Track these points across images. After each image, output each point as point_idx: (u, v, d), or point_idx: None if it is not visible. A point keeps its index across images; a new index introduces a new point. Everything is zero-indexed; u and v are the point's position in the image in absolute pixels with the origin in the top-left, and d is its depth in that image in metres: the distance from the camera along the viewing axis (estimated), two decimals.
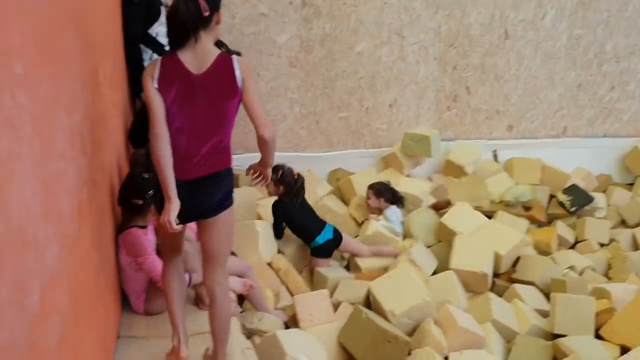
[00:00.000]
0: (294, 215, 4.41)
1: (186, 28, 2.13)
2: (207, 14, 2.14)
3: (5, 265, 1.13)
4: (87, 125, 2.09)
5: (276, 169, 4.31)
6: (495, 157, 6.13)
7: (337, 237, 4.42)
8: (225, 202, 2.38)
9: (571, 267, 4.57)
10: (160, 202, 2.84)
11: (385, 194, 4.99)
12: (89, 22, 2.30)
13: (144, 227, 2.87)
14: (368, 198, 5.00)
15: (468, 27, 5.73)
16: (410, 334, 3.45)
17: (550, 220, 5.66)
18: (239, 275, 3.30)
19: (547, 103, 6.16)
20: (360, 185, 5.39)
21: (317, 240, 4.34)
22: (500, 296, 4.07)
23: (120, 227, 2.87)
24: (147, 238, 2.84)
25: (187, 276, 2.83)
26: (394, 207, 4.95)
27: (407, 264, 3.87)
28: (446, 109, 6.00)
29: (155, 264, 2.74)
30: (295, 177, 4.42)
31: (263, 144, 2.27)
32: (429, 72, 5.82)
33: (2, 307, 1.09)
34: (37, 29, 1.51)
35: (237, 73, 2.21)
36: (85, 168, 2.01)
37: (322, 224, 4.46)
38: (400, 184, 5.44)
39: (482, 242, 4.27)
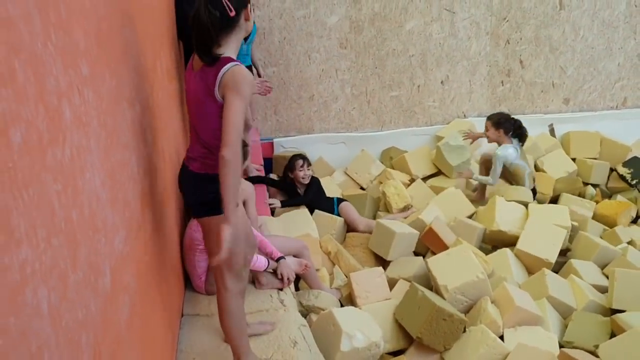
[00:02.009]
0: (319, 200, 4.73)
1: (210, 35, 2.03)
2: (233, 14, 2.04)
3: (80, 250, 1.24)
4: (147, 116, 2.21)
5: (304, 157, 4.74)
6: (551, 131, 6.02)
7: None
8: (210, 209, 2.19)
9: (630, 242, 4.48)
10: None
11: (506, 125, 4.80)
12: (145, 17, 2.41)
13: None
14: (487, 130, 4.89)
15: None
16: (467, 311, 3.49)
17: (611, 194, 5.55)
18: (295, 255, 3.40)
19: (606, 74, 6.00)
20: (415, 163, 5.42)
21: (334, 205, 4.72)
22: (557, 272, 4.04)
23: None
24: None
25: (263, 260, 2.94)
26: (512, 145, 4.79)
27: (466, 244, 3.87)
28: (500, 83, 5.92)
29: None
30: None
31: (219, 163, 1.97)
32: (481, 47, 5.75)
33: (79, 287, 1.21)
34: (98, 29, 1.61)
35: (219, 79, 2.01)
36: (147, 157, 2.14)
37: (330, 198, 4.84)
38: None
39: (552, 227, 4.21)
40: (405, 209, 4.91)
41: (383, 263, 4.18)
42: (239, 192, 2.52)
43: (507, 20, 5.69)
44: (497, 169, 4.73)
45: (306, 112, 5.80)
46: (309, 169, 4.73)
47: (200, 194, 2.16)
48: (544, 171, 5.49)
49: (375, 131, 5.94)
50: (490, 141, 4.91)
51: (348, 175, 5.61)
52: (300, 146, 5.80)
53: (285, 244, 3.42)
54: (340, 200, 4.82)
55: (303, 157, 4.76)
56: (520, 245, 4.08)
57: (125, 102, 1.89)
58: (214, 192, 2.07)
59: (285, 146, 5.81)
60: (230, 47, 2.10)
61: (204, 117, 2.10)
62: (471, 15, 5.62)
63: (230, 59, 2.05)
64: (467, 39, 5.70)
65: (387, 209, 4.99)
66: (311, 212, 4.46)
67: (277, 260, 3.12)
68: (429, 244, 4.18)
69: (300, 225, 4.11)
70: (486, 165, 5.01)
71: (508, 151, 4.73)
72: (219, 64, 2.04)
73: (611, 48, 5.92)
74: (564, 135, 5.99)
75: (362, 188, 5.52)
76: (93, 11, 1.59)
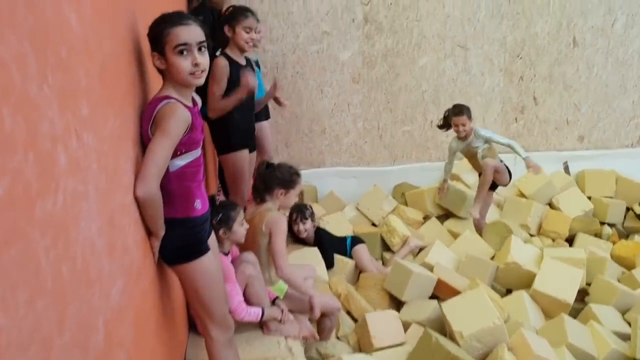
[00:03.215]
0: (328, 244, 4.47)
1: None
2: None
3: (69, 308, 1.15)
4: None
5: (301, 209, 4.42)
6: (566, 169, 5.91)
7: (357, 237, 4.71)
8: (176, 257, 2.07)
9: None
10: (227, 225, 2.92)
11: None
12: None
13: (225, 253, 2.91)
14: (463, 125, 4.76)
15: (534, 36, 5.56)
16: (483, 359, 3.35)
17: (628, 234, 5.40)
18: (324, 313, 3.27)
19: (620, 111, 5.90)
20: (429, 200, 5.33)
21: (347, 245, 4.54)
22: (575, 317, 3.90)
23: None
24: (228, 265, 2.85)
25: (257, 310, 2.85)
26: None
27: (482, 285, 3.74)
28: (513, 120, 5.84)
29: (233, 293, 2.75)
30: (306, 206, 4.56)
31: (136, 202, 1.81)
32: (494, 84, 5.69)
33: (66, 350, 1.11)
34: (103, 67, 1.55)
35: (154, 114, 1.88)
36: None
37: (343, 238, 4.65)
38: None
39: (569, 268, 4.07)
40: (404, 242, 4.82)
41: (397, 306, 4.05)
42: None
43: (521, 57, 5.63)
44: (499, 139, 4.78)
45: (317, 146, 5.73)
46: (304, 222, 4.36)
47: (171, 243, 2.03)
48: (559, 209, 5.36)
49: (388, 166, 5.85)
50: (467, 135, 4.81)
51: (359, 210, 5.50)
52: (311, 180, 5.72)
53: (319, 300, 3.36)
54: (354, 239, 4.63)
55: (299, 210, 4.40)
56: (537, 285, 3.95)
57: (130, 141, 1.82)
58: (176, 238, 2.00)
59: None
60: (168, 85, 1.98)
61: None
62: (484, 52, 5.57)
63: (166, 97, 1.93)
64: (480, 75, 5.64)
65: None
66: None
67: (273, 301, 3.04)
68: (441, 294, 4.05)
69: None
70: (473, 160, 4.97)
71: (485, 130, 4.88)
72: (155, 101, 1.94)
73: (625, 86, 5.84)
74: (578, 173, 5.87)
75: (373, 224, 5.41)
76: (97, 49, 1.52)
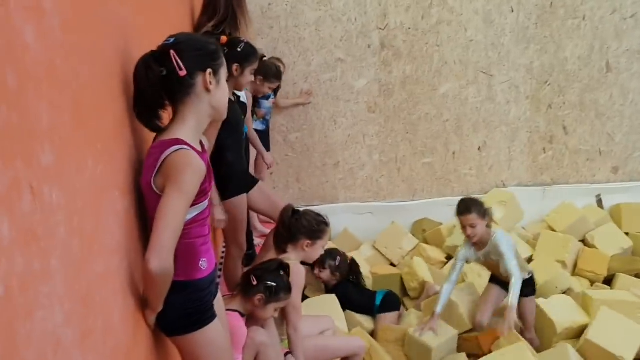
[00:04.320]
0: (351, 295, 4.08)
1: (145, 99, 1.59)
2: (183, 73, 1.58)
3: None
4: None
5: (333, 255, 4.06)
6: (599, 202, 5.51)
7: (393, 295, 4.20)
8: (176, 327, 1.73)
9: None
10: (269, 296, 2.54)
11: (488, 210, 3.70)
12: None
13: (243, 315, 2.54)
14: (472, 226, 3.54)
15: (564, 61, 5.22)
16: None
17: None
18: (345, 357, 2.98)
19: None
20: (454, 236, 4.92)
21: (375, 303, 4.06)
22: None
23: None
24: (242, 331, 2.49)
25: None
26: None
27: (522, 341, 3.32)
28: (541, 151, 5.46)
29: None
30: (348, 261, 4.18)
31: (145, 275, 1.53)
32: (520, 112, 5.33)
33: None
34: (77, 100, 1.20)
35: (159, 164, 1.55)
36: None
37: (372, 293, 4.17)
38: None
39: (627, 322, 3.62)
40: (422, 287, 4.42)
41: None
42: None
43: (549, 84, 5.28)
44: (510, 264, 3.50)
45: (331, 180, 5.38)
46: (321, 271, 4.06)
47: (164, 307, 1.65)
48: (595, 247, 4.94)
49: (406, 201, 5.47)
50: (480, 240, 3.63)
51: (377, 249, 5.11)
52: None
53: (340, 344, 3.04)
54: (386, 299, 4.07)
55: (325, 255, 3.84)
56: (591, 335, 3.50)
57: (116, 191, 1.45)
58: (177, 306, 1.65)
59: None
60: (184, 122, 1.63)
61: (148, 208, 1.62)
62: (510, 79, 5.22)
63: (178, 141, 1.57)
64: (505, 104, 5.29)
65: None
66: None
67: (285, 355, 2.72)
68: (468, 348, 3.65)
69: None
70: (493, 269, 3.82)
71: (507, 235, 3.77)
72: (162, 145, 1.58)
73: None
74: (613, 207, 5.47)
75: (392, 264, 5.01)
76: (70, 76, 1.17)
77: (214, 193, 2.88)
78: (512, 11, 5.06)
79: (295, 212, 2.88)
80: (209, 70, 1.62)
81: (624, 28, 5.16)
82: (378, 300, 4.06)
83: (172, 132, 1.59)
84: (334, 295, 3.89)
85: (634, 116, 5.40)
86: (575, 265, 4.85)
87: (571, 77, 5.26)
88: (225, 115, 1.75)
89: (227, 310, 2.47)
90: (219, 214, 2.94)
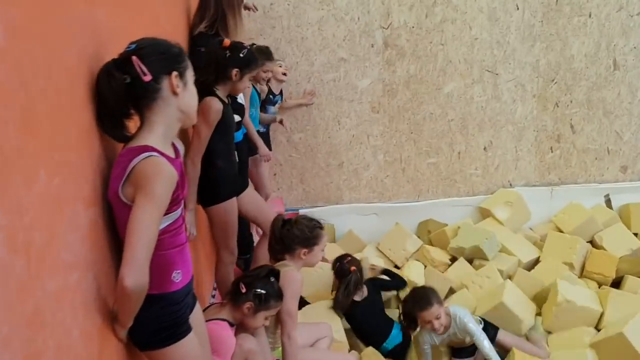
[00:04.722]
0: (355, 315, 3.84)
1: (108, 109, 1.54)
2: (148, 78, 1.54)
3: None
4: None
5: (341, 259, 3.90)
6: (608, 202, 5.40)
7: (406, 339, 3.83)
8: (149, 342, 1.68)
9: None
10: (259, 304, 2.49)
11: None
12: None
13: (232, 324, 2.51)
14: (436, 318, 3.40)
15: (570, 59, 5.12)
16: None
17: None
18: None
19: None
20: (458, 238, 4.84)
21: (385, 346, 3.76)
22: None
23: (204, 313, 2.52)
24: (231, 341, 2.44)
25: None
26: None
27: None
28: (549, 150, 5.36)
29: None
30: (351, 271, 3.78)
31: (118, 291, 1.46)
32: (527, 111, 5.24)
33: None
34: (27, 110, 1.16)
35: (127, 172, 1.50)
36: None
37: (389, 325, 3.84)
38: (504, 240, 4.84)
39: None
40: None
41: None
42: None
43: (556, 82, 5.18)
44: (474, 330, 3.40)
45: (335, 181, 5.33)
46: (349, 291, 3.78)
47: (136, 322, 1.60)
48: (603, 248, 4.84)
49: (411, 201, 5.41)
50: (446, 327, 3.46)
51: (381, 251, 5.05)
52: (329, 218, 5.28)
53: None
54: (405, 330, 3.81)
55: (338, 270, 3.85)
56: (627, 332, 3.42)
57: (79, 204, 1.42)
58: (150, 320, 1.61)
59: None
60: (152, 128, 1.58)
61: (116, 217, 1.56)
62: (516, 77, 5.13)
63: (146, 148, 1.52)
64: (511, 102, 5.20)
65: None
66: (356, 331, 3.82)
67: None
68: None
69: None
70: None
71: (462, 309, 3.59)
72: (130, 152, 1.53)
73: None
74: (622, 206, 5.36)
75: (396, 266, 4.95)
76: (18, 89, 1.13)
77: (192, 198, 2.83)
78: (518, 9, 4.97)
79: (286, 222, 2.82)
80: (175, 73, 1.58)
81: (631, 25, 5.04)
82: (392, 341, 3.78)
83: (141, 139, 1.56)
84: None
85: None
86: (583, 267, 4.75)
87: (578, 75, 5.16)
88: (195, 119, 1.71)
89: (216, 319, 2.44)
90: (189, 217, 2.86)
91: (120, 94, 1.52)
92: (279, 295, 2.55)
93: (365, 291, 3.86)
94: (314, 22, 4.90)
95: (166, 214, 1.57)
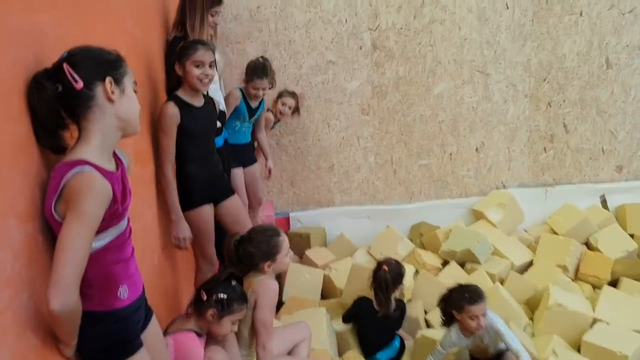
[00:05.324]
0: (364, 318, 3.78)
1: (40, 120, 1.47)
2: (79, 85, 1.47)
3: None
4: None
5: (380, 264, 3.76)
6: (603, 203, 5.32)
7: (400, 352, 3.77)
8: (97, 359, 1.62)
9: None
10: (222, 310, 2.44)
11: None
12: None
13: (200, 335, 2.46)
14: (483, 315, 3.23)
15: (562, 58, 5.05)
16: None
17: None
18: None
19: None
20: (449, 241, 4.77)
21: (377, 357, 3.72)
22: None
23: (171, 325, 2.47)
24: (198, 352, 2.39)
25: None
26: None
27: None
28: (542, 150, 5.29)
29: None
30: (382, 269, 3.66)
31: (47, 314, 1.40)
32: (519, 111, 5.17)
33: None
34: None
35: (59, 189, 1.43)
36: None
37: (390, 336, 3.78)
38: (497, 242, 4.77)
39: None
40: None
41: None
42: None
43: (548, 82, 5.11)
44: (510, 341, 3.24)
45: (325, 184, 5.28)
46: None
47: (83, 339, 1.54)
48: (598, 250, 4.76)
49: (404, 204, 5.34)
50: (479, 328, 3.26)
51: (371, 255, 4.99)
52: (320, 221, 5.25)
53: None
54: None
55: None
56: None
57: (12, 219, 1.37)
58: (96, 338, 1.55)
59: (303, 221, 5.27)
60: (89, 140, 1.52)
61: (55, 233, 1.48)
62: (507, 77, 5.06)
63: (79, 162, 1.46)
64: (503, 103, 5.13)
65: None
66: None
67: None
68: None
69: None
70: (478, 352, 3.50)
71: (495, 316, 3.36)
72: (62, 167, 1.46)
73: None
74: (618, 207, 5.27)
75: None
76: None
77: (170, 207, 2.79)
78: (507, 8, 4.91)
79: (239, 242, 2.73)
80: (109, 79, 1.52)
81: (623, 23, 4.97)
82: (388, 353, 3.74)
83: (76, 152, 1.50)
84: (322, 310, 3.78)
85: (636, 113, 5.20)
86: (577, 270, 4.68)
87: (570, 74, 5.08)
88: (137, 127, 1.64)
89: (184, 330, 2.40)
90: (180, 230, 2.83)
91: (51, 104, 1.47)
92: (241, 298, 2.49)
93: (393, 306, 3.72)
94: (301, 25, 4.86)
95: (107, 228, 1.52)
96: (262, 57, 4.05)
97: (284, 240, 2.74)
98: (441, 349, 3.40)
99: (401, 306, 3.79)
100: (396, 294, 3.70)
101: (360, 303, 3.80)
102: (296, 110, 4.74)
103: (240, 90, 3.94)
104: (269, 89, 4.07)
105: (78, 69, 1.47)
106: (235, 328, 2.52)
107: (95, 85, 1.51)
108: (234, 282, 2.47)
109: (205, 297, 2.40)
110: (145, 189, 2.66)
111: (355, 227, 5.24)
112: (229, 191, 3.18)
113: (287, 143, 5.13)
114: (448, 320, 3.39)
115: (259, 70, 3.84)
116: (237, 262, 2.70)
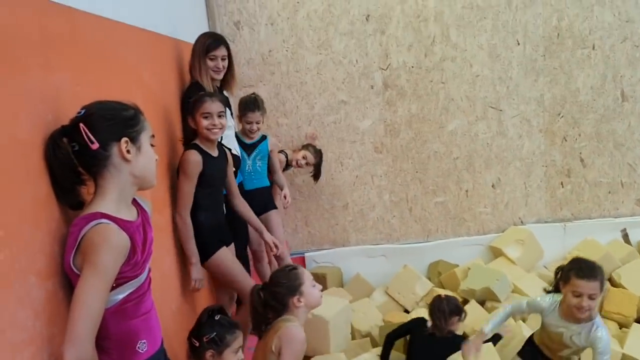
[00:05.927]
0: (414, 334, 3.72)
1: (57, 178, 1.48)
2: (95, 147, 1.48)
3: None
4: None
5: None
6: (625, 237, 5.22)
7: None
8: None
9: None
10: (217, 347, 2.39)
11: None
12: None
13: None
14: (592, 298, 2.85)
15: (576, 92, 5.03)
16: None
17: None
18: None
19: None
20: (468, 280, 4.68)
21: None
22: None
23: None
24: None
25: None
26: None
27: None
28: (559, 185, 5.23)
29: None
30: (439, 297, 3.68)
31: None
32: (534, 146, 5.13)
33: None
34: None
35: (77, 243, 1.43)
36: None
37: None
38: (516, 280, 4.69)
39: None
40: None
41: None
42: None
43: (562, 116, 5.08)
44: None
45: (340, 223, 5.23)
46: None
47: None
48: (622, 286, 4.64)
49: (420, 242, 5.28)
50: (586, 317, 2.92)
51: (389, 295, 4.90)
52: (335, 261, 5.20)
53: None
54: None
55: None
56: None
57: (32, 276, 1.35)
58: None
59: (318, 261, 5.22)
60: (104, 195, 1.52)
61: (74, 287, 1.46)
62: (521, 112, 5.04)
63: (96, 215, 1.45)
64: (518, 138, 5.10)
65: None
66: None
67: None
68: None
69: None
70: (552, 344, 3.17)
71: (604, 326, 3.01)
72: (80, 221, 1.45)
73: None
74: None
75: (406, 311, 4.80)
76: None
77: (189, 251, 2.78)
78: (518, 44, 4.91)
79: (262, 288, 2.70)
80: (125, 139, 1.52)
81: (637, 55, 4.95)
82: None
83: (93, 206, 1.50)
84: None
85: None
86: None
87: (585, 108, 5.05)
88: (154, 182, 1.64)
89: None
90: (195, 272, 2.82)
91: (67, 162, 1.47)
92: (231, 328, 2.45)
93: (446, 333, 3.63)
94: (312, 67, 4.89)
95: (127, 281, 1.50)
96: (253, 93, 4.11)
97: (304, 271, 2.71)
98: (525, 305, 3.13)
99: (457, 340, 3.56)
100: (455, 327, 3.62)
101: (416, 321, 3.77)
102: (316, 175, 4.78)
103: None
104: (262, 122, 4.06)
105: (94, 129, 1.47)
106: (241, 355, 2.46)
107: (111, 146, 1.51)
108: (217, 317, 2.44)
109: (197, 344, 2.37)
110: (163, 236, 2.64)
111: (371, 267, 5.18)
112: (232, 237, 3.21)
113: (300, 182, 5.11)
114: (553, 290, 3.08)
115: (250, 104, 3.94)
116: (266, 310, 2.65)
